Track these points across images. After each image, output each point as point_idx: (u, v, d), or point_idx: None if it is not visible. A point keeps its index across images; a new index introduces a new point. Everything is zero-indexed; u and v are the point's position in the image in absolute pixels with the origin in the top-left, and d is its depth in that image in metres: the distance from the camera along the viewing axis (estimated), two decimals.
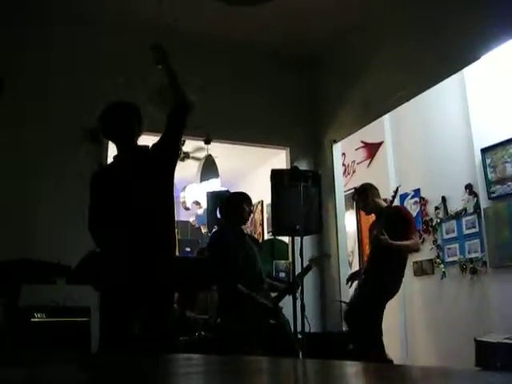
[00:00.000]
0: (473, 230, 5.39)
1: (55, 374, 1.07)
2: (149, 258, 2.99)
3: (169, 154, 3.26)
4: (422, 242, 5.84)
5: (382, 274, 4.54)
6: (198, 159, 6.93)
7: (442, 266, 5.69)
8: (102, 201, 3.14)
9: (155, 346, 2.94)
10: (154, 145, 3.29)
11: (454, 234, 5.60)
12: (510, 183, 4.86)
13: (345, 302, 4.90)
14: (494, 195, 5.00)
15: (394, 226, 4.55)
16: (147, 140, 5.79)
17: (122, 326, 2.97)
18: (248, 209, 4.31)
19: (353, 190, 6.93)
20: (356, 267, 6.81)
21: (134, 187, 3.09)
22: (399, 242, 4.54)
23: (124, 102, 3.27)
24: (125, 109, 3.24)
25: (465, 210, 5.48)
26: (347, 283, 5.02)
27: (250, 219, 4.98)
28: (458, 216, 5.56)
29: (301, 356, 4.00)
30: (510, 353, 4.07)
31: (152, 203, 3.11)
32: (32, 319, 3.91)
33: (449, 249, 5.66)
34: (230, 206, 4.30)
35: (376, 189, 4.93)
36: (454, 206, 5.61)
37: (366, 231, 6.86)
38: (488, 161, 5.07)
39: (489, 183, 5.05)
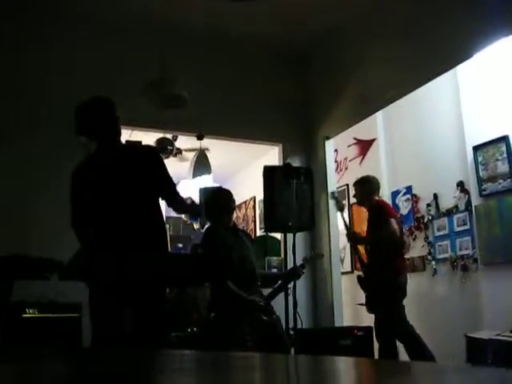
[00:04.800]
0: (464, 227, 5.42)
1: (47, 369, 1.07)
2: (137, 255, 2.99)
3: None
4: (414, 239, 5.88)
5: (384, 270, 4.70)
6: (191, 150, 6.91)
7: (433, 262, 5.72)
8: (86, 196, 3.12)
9: (147, 342, 2.95)
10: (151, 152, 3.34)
11: (446, 231, 5.63)
12: (501, 181, 4.89)
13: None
14: (486, 193, 5.03)
15: (375, 221, 4.83)
16: (139, 135, 5.80)
17: (112, 322, 2.96)
18: (232, 201, 4.34)
19: (345, 187, 6.98)
20: (348, 263, 6.84)
21: (122, 183, 3.09)
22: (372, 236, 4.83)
23: (102, 96, 3.24)
24: (108, 103, 3.22)
25: (456, 207, 5.50)
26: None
27: (235, 214, 5.06)
28: (449, 213, 5.59)
29: (293, 352, 4.01)
30: (501, 349, 4.10)
31: (140, 200, 3.11)
32: (24, 315, 3.90)
33: (440, 246, 5.69)
34: (217, 202, 4.31)
35: (376, 185, 5.07)
36: (446, 203, 5.64)
37: (359, 228, 6.89)
38: (480, 158, 5.09)
39: (480, 181, 5.08)
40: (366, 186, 5.05)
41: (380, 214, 4.81)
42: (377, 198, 5.10)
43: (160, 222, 3.27)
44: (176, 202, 3.37)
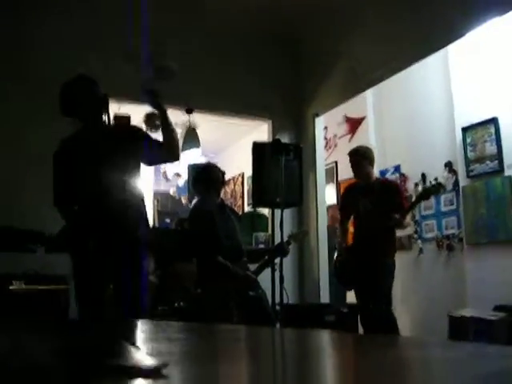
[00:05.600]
0: (450, 208, 5.46)
1: (35, 340, 1.08)
2: (119, 228, 3.04)
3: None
4: None
5: (383, 253, 4.47)
6: (178, 125, 6.87)
7: (419, 241, 5.77)
8: (69, 174, 3.13)
9: (130, 311, 3.01)
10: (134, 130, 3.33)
11: (432, 211, 5.67)
12: (488, 162, 4.92)
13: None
14: (473, 173, 5.06)
15: (388, 201, 4.48)
16: (127, 108, 5.73)
17: (96, 293, 3.01)
18: (221, 177, 4.33)
19: (333, 164, 7.00)
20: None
21: (104, 162, 3.10)
22: (405, 220, 4.48)
23: (85, 75, 3.19)
24: (90, 82, 3.17)
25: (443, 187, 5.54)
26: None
27: (224, 190, 5.03)
28: None
29: (278, 327, 4.04)
30: (482, 327, 4.17)
31: (123, 177, 3.14)
32: (10, 287, 3.90)
33: (426, 225, 5.74)
34: (204, 179, 4.30)
35: (373, 156, 4.81)
36: (433, 183, 5.67)
37: None
38: (468, 139, 5.11)
39: (468, 162, 5.11)
40: (371, 157, 4.71)
41: (401, 196, 4.66)
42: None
43: (140, 200, 3.29)
44: (160, 145, 3.32)
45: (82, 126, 3.21)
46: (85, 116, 3.17)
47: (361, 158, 4.70)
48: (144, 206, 3.31)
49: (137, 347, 0.88)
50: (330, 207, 6.37)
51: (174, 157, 3.34)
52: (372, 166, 4.75)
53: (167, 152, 3.27)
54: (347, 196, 4.93)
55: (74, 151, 3.14)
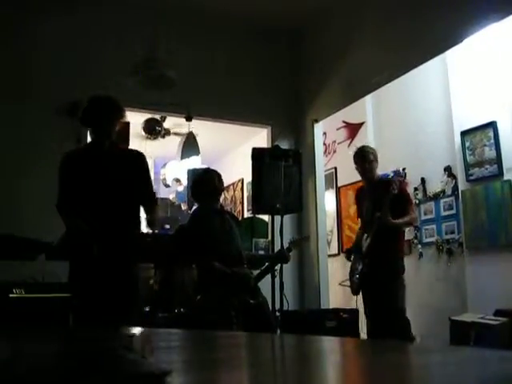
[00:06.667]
0: (450, 212, 5.46)
1: (36, 346, 1.08)
2: (115, 242, 3.08)
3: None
4: None
5: (391, 253, 4.40)
6: (178, 134, 6.89)
7: (419, 246, 5.76)
8: (75, 181, 3.19)
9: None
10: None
11: (432, 216, 5.67)
12: (487, 166, 4.92)
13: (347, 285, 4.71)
14: (472, 178, 5.06)
15: (394, 202, 4.32)
16: (130, 116, 5.75)
17: (92, 303, 3.05)
18: (221, 183, 4.33)
19: (333, 170, 7.00)
20: (335, 246, 6.87)
21: (107, 180, 3.21)
22: (402, 220, 4.38)
23: (115, 100, 3.34)
24: (117, 107, 3.33)
25: (443, 191, 5.54)
26: (348, 259, 4.87)
27: (223, 196, 5.01)
28: (436, 197, 5.62)
29: (279, 333, 4.03)
30: (483, 332, 4.16)
31: (124, 193, 3.21)
32: (10, 295, 3.89)
33: (426, 230, 5.73)
34: (202, 185, 4.29)
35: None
36: (433, 187, 5.68)
37: (346, 211, 6.92)
38: (467, 144, 5.12)
39: (467, 166, 5.11)
40: (376, 157, 4.61)
41: (407, 198, 4.55)
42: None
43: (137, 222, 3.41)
44: (152, 210, 3.45)
45: (91, 143, 3.36)
46: (98, 133, 3.29)
47: (370, 157, 4.61)
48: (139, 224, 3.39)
49: (138, 355, 0.88)
50: None
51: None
52: (377, 165, 4.68)
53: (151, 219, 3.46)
54: (358, 200, 4.90)
55: (83, 163, 3.23)
